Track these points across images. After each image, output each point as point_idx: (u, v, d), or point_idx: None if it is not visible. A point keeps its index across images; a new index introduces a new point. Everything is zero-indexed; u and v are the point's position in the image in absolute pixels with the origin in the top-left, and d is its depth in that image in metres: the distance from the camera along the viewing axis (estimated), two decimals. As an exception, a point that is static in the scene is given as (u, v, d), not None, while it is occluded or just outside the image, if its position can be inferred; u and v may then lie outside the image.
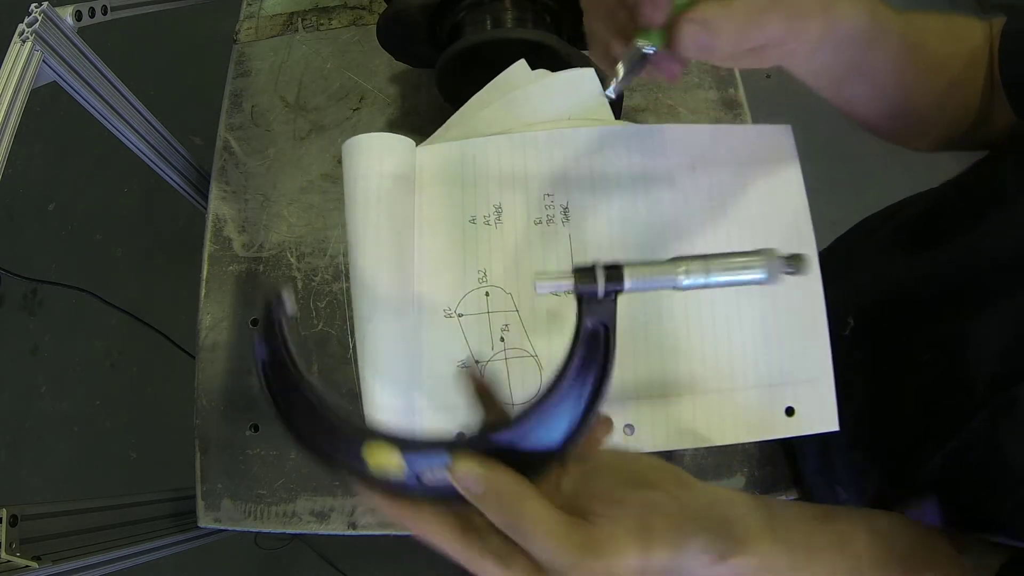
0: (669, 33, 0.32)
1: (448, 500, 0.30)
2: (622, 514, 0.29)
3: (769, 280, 0.29)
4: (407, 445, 0.30)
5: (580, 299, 0.30)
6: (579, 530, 0.28)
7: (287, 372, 0.31)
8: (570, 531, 0.28)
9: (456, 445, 0.30)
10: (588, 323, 0.30)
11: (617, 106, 0.56)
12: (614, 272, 0.29)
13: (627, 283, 0.29)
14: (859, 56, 0.37)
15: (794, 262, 0.29)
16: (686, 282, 0.29)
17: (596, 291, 0.29)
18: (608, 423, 0.35)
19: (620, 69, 0.34)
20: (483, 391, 0.35)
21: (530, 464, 0.30)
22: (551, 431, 0.30)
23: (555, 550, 0.27)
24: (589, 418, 0.30)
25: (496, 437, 0.30)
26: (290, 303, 0.30)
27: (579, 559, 0.27)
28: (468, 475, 0.29)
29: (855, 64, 0.38)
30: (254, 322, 0.59)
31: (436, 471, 0.30)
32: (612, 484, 0.31)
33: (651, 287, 0.29)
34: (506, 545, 0.29)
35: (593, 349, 0.30)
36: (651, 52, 0.32)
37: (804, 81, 0.39)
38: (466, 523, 0.30)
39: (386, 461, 0.30)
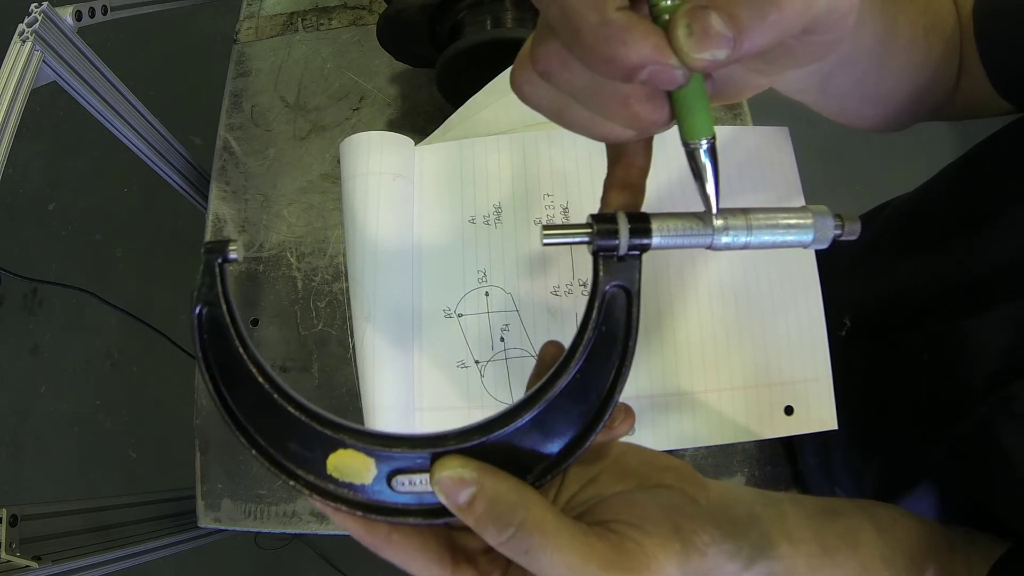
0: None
1: (431, 516, 0.25)
2: (647, 520, 0.25)
3: (815, 242, 0.24)
4: (375, 442, 0.25)
5: (597, 256, 0.24)
6: (604, 542, 0.23)
7: (225, 336, 0.25)
8: (593, 544, 0.23)
9: (438, 444, 0.25)
10: (608, 287, 0.25)
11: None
12: (640, 223, 0.24)
13: (655, 238, 0.24)
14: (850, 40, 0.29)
15: (844, 221, 0.24)
16: (724, 239, 0.24)
17: (617, 246, 0.24)
18: (630, 415, 0.29)
19: (708, 185, 0.24)
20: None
21: (531, 468, 0.25)
22: (560, 425, 0.25)
23: (578, 569, 0.22)
24: (608, 407, 0.25)
25: (490, 435, 0.25)
26: (237, 249, 0.25)
27: None
28: (453, 481, 0.23)
29: (844, 52, 0.32)
30: (254, 321, 0.59)
31: (414, 479, 0.25)
32: (622, 487, 0.28)
33: (682, 244, 0.24)
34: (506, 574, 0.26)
35: (613, 320, 0.25)
36: (709, 142, 0.23)
37: (792, 85, 0.34)
38: (455, 548, 0.26)
39: (352, 464, 0.25)
